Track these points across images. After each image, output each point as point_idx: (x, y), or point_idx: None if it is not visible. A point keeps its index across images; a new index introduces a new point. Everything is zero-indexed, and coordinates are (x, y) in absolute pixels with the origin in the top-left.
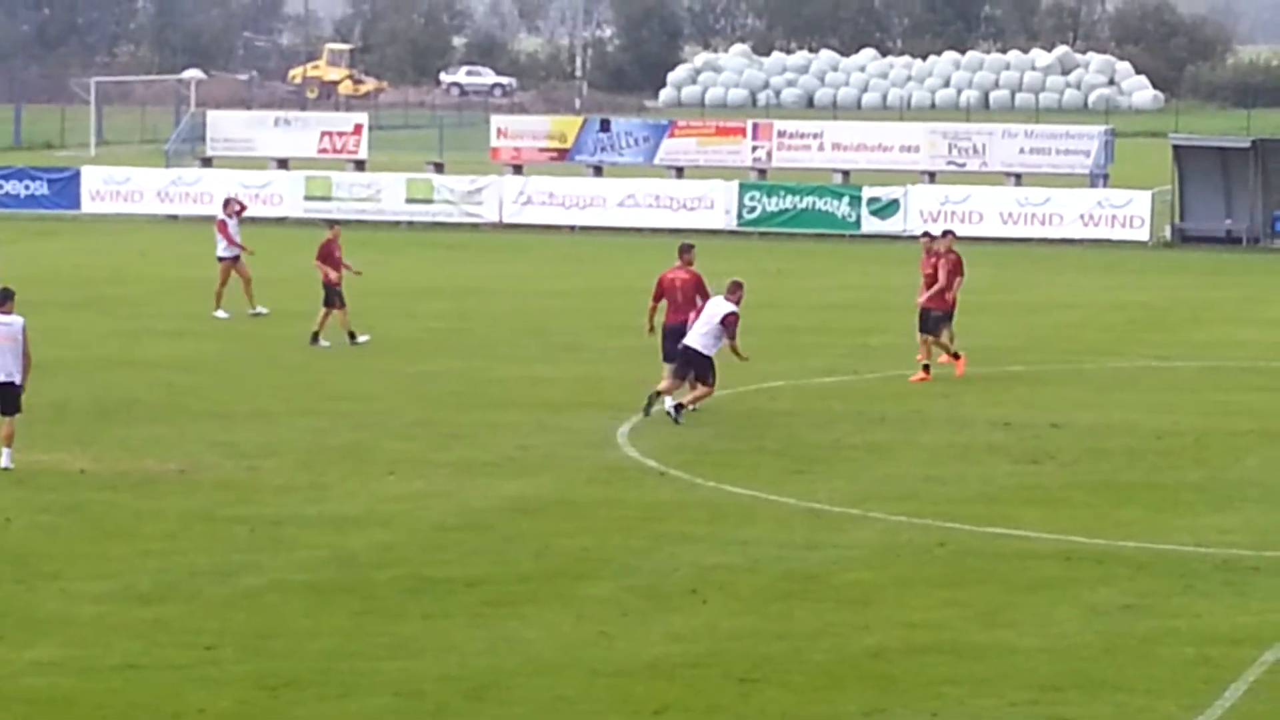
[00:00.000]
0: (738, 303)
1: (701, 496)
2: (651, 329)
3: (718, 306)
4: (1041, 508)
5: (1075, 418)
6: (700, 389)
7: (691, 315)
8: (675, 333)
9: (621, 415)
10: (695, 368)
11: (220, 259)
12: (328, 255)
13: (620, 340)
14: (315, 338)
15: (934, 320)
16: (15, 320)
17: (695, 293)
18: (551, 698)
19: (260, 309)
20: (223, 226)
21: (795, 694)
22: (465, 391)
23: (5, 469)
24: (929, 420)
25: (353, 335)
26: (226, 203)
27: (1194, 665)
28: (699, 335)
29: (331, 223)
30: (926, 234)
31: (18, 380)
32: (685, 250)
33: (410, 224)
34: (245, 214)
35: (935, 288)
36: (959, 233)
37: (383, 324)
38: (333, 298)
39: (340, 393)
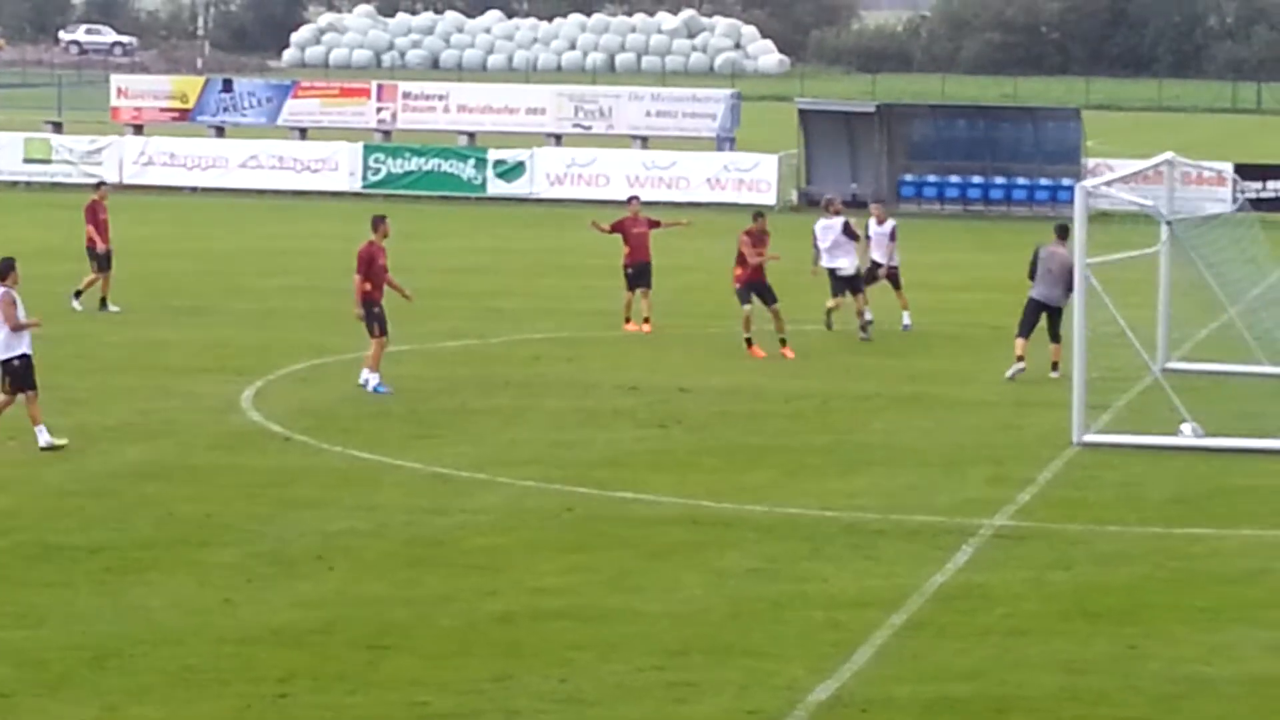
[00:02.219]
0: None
1: (327, 462)
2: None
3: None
4: (669, 472)
5: (703, 382)
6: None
7: None
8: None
9: (245, 380)
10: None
11: None
12: (93, 217)
13: (243, 303)
14: (103, 303)
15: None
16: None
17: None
18: (177, 666)
19: None
20: None
21: (424, 660)
22: (84, 355)
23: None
24: (554, 385)
25: (104, 302)
26: None
27: (822, 628)
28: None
29: (100, 183)
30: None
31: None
32: (377, 223)
33: (28, 184)
34: None
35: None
36: (585, 195)
37: None
38: (100, 261)
39: None
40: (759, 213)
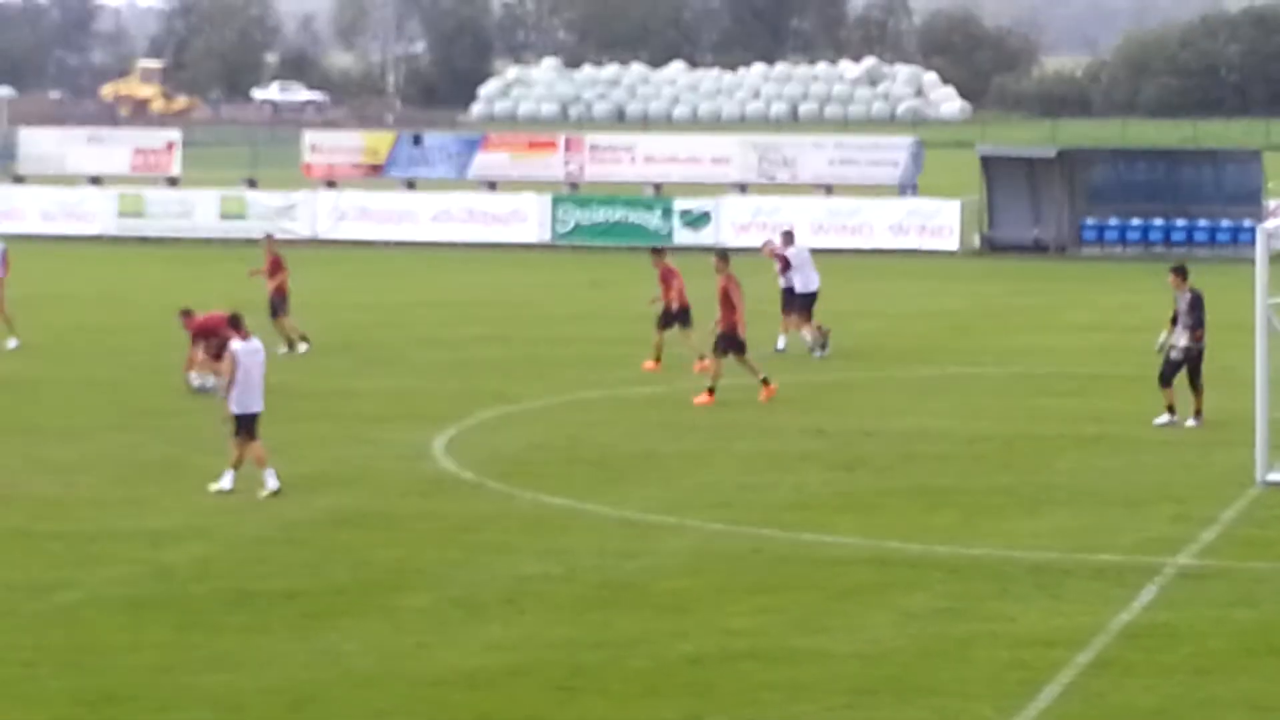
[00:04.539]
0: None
1: (517, 507)
2: None
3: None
4: (855, 514)
5: (887, 424)
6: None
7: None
8: None
9: (435, 427)
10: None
11: None
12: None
13: (433, 354)
14: (290, 345)
15: (738, 343)
16: (260, 346)
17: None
18: (372, 710)
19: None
20: None
21: (614, 702)
22: (277, 406)
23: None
24: (741, 428)
25: (291, 343)
26: None
27: (1008, 668)
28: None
29: (268, 236)
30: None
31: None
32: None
33: (224, 241)
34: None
35: (736, 310)
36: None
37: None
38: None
39: (151, 408)
40: (723, 253)
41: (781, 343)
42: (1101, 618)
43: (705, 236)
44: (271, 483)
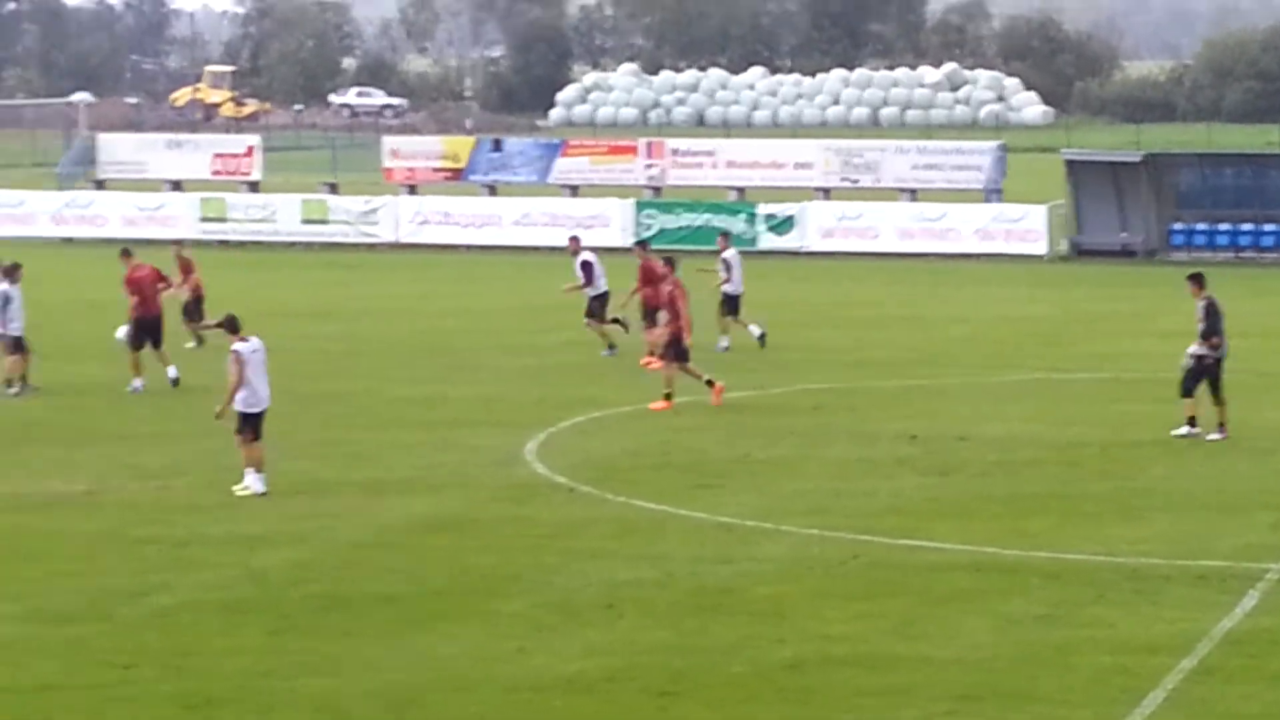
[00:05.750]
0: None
1: (611, 512)
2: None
3: None
4: (951, 519)
5: (980, 430)
6: None
7: None
8: (149, 324)
9: (524, 433)
10: None
11: None
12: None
13: (517, 359)
14: (200, 341)
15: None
16: (261, 344)
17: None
18: (471, 714)
19: None
20: None
21: (713, 707)
22: (365, 411)
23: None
24: (836, 434)
25: (200, 340)
26: None
27: (1111, 674)
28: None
29: (177, 242)
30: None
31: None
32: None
33: (306, 245)
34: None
35: (681, 317)
36: (856, 249)
37: (278, 345)
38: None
39: None
40: (668, 259)
41: (725, 342)
42: (1203, 624)
43: (790, 241)
44: (256, 485)
